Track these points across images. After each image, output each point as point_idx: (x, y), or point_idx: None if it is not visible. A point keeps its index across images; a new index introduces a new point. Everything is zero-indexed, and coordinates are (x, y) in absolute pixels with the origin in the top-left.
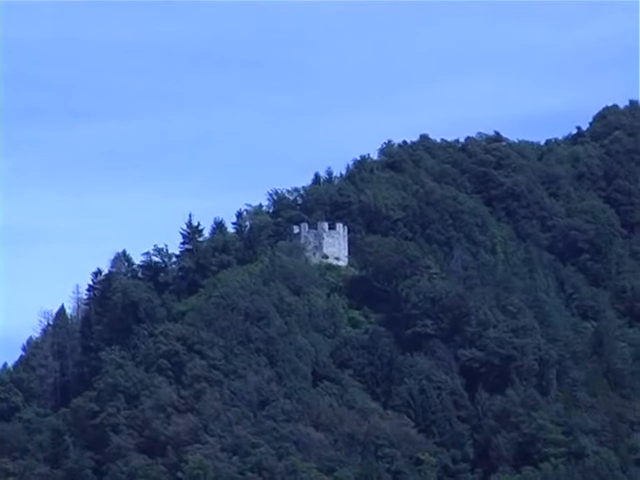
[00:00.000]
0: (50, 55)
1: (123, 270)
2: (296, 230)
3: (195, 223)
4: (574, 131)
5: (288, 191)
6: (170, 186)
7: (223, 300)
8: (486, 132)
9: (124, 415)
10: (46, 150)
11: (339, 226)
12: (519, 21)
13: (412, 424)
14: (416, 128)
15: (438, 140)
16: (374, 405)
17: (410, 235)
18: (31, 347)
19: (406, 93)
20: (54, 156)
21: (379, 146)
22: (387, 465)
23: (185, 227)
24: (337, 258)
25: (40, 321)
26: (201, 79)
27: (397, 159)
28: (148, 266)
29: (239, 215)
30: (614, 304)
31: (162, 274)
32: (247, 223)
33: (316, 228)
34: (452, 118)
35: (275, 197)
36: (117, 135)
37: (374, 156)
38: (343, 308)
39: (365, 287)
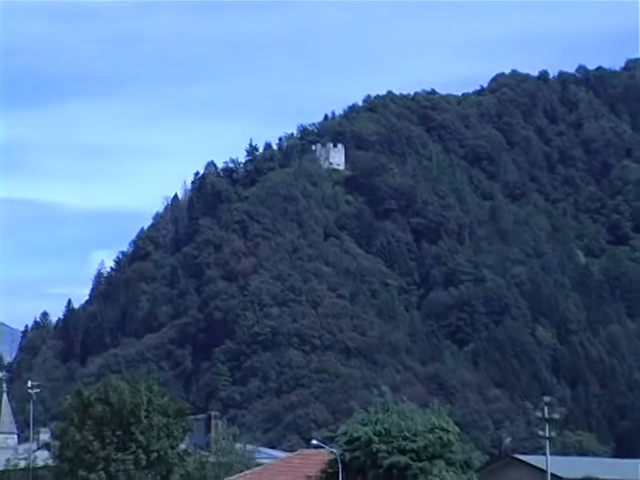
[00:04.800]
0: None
1: (212, 172)
2: (314, 148)
3: (254, 144)
4: (478, 88)
5: (309, 124)
6: (239, 123)
7: (271, 189)
8: (427, 89)
9: (213, 257)
10: (169, 98)
11: (340, 146)
12: (444, 16)
13: (383, 262)
14: (385, 86)
15: (398, 93)
16: (360, 251)
17: (381, 150)
18: (158, 217)
19: (380, 64)
20: (172, 102)
21: (363, 97)
22: (368, 286)
23: (248, 146)
24: (338, 164)
25: (163, 202)
26: (252, 59)
27: (374, 105)
28: (226, 169)
29: (280, 139)
30: (502, 191)
31: (235, 174)
32: (285, 144)
33: (326, 146)
34: (407, 80)
35: (301, 128)
36: (205, 92)
37: (360, 103)
38: (342, 194)
39: (355, 181)
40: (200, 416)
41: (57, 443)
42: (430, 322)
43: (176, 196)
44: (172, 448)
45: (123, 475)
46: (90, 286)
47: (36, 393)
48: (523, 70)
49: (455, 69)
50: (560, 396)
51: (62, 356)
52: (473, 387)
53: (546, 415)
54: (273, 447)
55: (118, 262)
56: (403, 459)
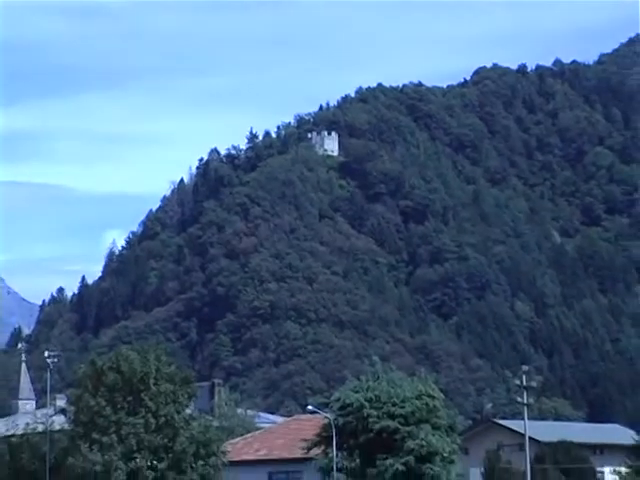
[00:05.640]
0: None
1: (215, 158)
2: (309, 136)
3: (254, 132)
4: (462, 80)
5: (305, 114)
6: (241, 113)
7: (270, 174)
8: (414, 81)
9: (216, 237)
10: (175, 90)
11: (333, 133)
12: (431, 14)
13: (373, 242)
14: (376, 78)
15: (388, 85)
16: (352, 231)
17: (372, 138)
18: (165, 200)
19: (371, 59)
20: (178, 94)
21: (355, 88)
22: (360, 264)
23: (249, 134)
24: (332, 151)
25: (170, 186)
26: (253, 54)
27: (365, 96)
28: (229, 155)
29: (278, 128)
30: (484, 176)
31: (236, 160)
32: (283, 132)
33: (321, 135)
34: (396, 72)
35: (298, 117)
36: (209, 85)
37: (352, 94)
38: (336, 179)
39: (348, 167)
40: (204, 383)
41: (72, 408)
42: (417, 297)
43: (182, 180)
44: (178, 413)
45: (133, 438)
46: (103, 263)
47: (53, 362)
48: (503, 64)
49: (440, 63)
50: (537, 365)
51: (77, 328)
52: (457, 357)
53: (524, 383)
54: (272, 412)
55: (129, 241)
56: (392, 423)
